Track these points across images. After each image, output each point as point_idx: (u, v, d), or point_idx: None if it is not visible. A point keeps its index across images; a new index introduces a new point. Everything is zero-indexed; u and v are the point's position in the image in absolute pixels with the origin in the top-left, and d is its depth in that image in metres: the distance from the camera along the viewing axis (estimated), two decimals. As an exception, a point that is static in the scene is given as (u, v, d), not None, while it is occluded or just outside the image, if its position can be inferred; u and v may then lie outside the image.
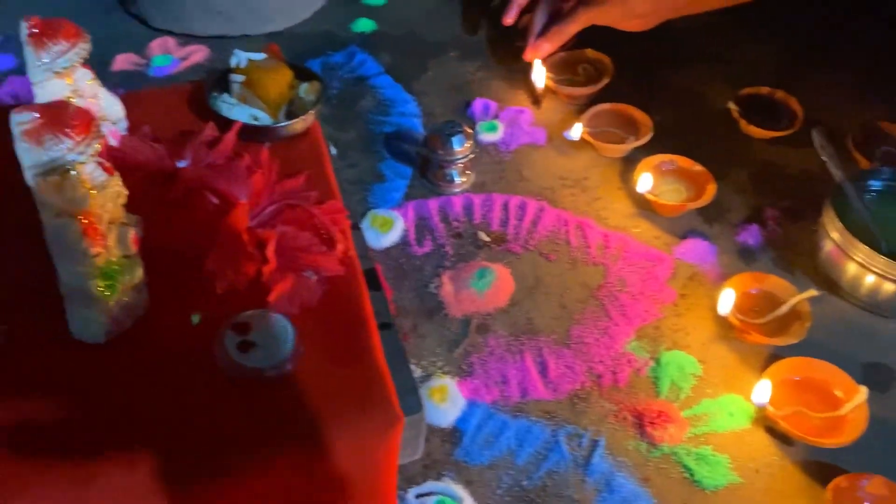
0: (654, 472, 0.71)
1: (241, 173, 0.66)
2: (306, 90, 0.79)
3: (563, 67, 1.07)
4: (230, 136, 0.71)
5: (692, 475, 0.70)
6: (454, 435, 0.73)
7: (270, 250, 0.62)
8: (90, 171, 0.53)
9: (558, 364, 0.78)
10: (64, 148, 0.50)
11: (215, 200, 0.65)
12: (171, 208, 0.65)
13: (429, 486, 0.69)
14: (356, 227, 0.72)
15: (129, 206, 0.60)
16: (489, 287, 0.84)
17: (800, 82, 1.06)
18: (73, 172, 0.51)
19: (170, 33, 1.14)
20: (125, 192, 0.56)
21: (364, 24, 1.18)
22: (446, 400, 0.75)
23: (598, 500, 0.69)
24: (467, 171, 0.94)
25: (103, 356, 0.59)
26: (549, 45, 1.02)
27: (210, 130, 0.71)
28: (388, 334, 0.65)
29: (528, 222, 0.91)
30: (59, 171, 0.50)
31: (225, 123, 0.73)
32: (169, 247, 0.64)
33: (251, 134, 0.74)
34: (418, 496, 0.68)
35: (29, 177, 0.51)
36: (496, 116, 1.04)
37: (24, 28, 0.57)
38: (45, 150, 0.50)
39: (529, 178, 0.96)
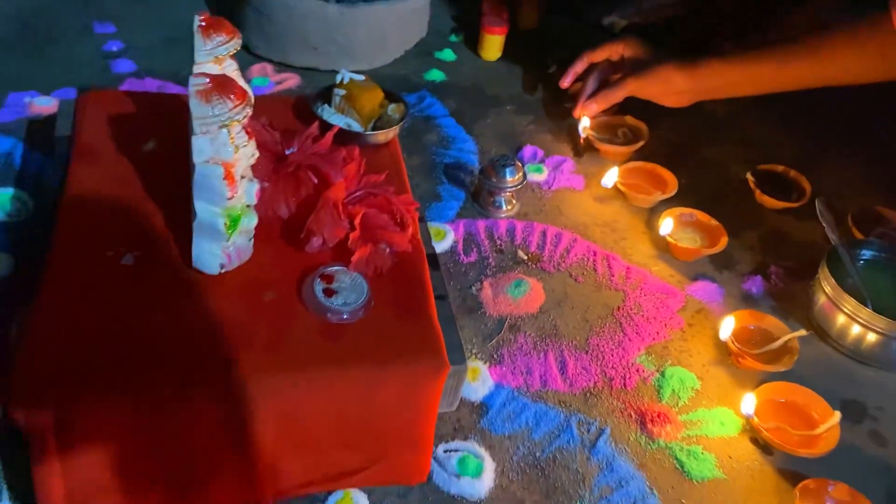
0: (649, 461, 0.82)
1: (337, 161, 0.81)
2: (393, 109, 0.94)
3: (604, 129, 1.23)
4: (330, 135, 0.86)
5: (682, 467, 0.81)
6: (482, 408, 0.85)
7: (357, 221, 0.77)
8: (237, 131, 0.68)
9: (576, 365, 0.90)
10: (225, 108, 0.65)
11: (315, 180, 0.80)
12: (280, 182, 0.80)
13: (456, 444, 0.81)
14: (423, 220, 0.86)
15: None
16: (523, 295, 0.97)
17: (813, 164, 1.20)
18: (226, 129, 0.66)
19: (269, 60, 1.32)
20: (257, 154, 0.71)
21: (435, 74, 1.35)
22: (478, 380, 0.87)
23: (599, 475, 0.80)
24: (513, 201, 1.09)
25: (214, 285, 0.73)
26: (596, 106, 1.18)
27: (314, 128, 0.86)
28: (442, 304, 0.78)
29: (562, 249, 1.05)
30: (217, 125, 0.65)
31: (325, 127, 0.89)
32: (276, 210, 0.79)
33: (345, 138, 0.89)
34: (446, 451, 0.80)
35: (195, 126, 0.66)
36: (542, 161, 1.19)
37: (196, 20, 0.73)
38: (210, 107, 0.65)
39: (566, 215, 1.10)
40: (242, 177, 0.70)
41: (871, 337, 0.92)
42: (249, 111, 0.67)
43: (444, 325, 0.75)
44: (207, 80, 0.66)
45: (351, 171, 0.81)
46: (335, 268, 0.75)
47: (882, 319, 0.91)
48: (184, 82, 1.13)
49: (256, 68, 1.31)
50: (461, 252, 1.03)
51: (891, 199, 1.14)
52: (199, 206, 0.69)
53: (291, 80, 1.29)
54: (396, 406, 0.71)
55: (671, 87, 1.15)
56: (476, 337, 0.92)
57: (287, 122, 0.91)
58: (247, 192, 0.70)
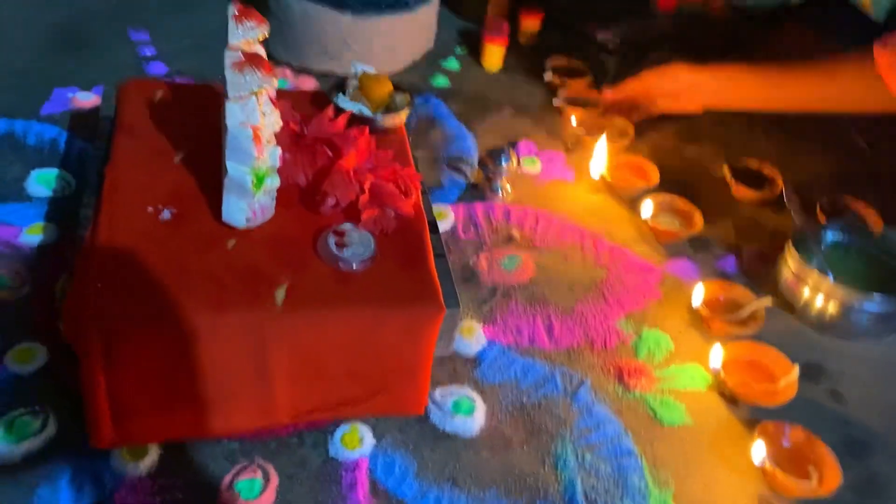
0: (625, 409, 0.91)
1: (349, 138, 0.92)
2: (400, 99, 1.06)
3: (595, 129, 1.34)
4: (343, 117, 0.97)
5: (655, 414, 0.90)
6: (475, 361, 0.94)
7: (367, 185, 0.87)
8: (265, 100, 0.79)
9: (562, 327, 1.00)
10: (255, 78, 0.76)
11: (330, 153, 0.91)
12: (299, 154, 0.90)
13: (452, 388, 0.90)
14: (425, 193, 0.97)
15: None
16: (515, 267, 1.07)
17: (787, 161, 1.31)
18: (255, 97, 0.77)
19: (288, 65, 1.44)
20: (280, 122, 0.82)
21: (441, 80, 1.47)
22: (472, 337, 0.97)
23: (579, 419, 0.89)
24: (508, 188, 1.20)
25: (241, 237, 0.83)
26: (611, 94, 1.29)
27: (330, 111, 0.97)
28: (440, 260, 0.88)
29: (552, 230, 1.15)
30: (248, 92, 0.77)
31: (339, 112, 0.99)
32: (295, 179, 0.90)
33: (357, 122, 1.00)
34: (443, 395, 0.89)
35: (229, 92, 0.77)
36: (536, 155, 1.30)
37: (231, 9, 0.84)
38: (243, 76, 0.76)
39: (557, 202, 1.21)
40: (268, 142, 0.81)
41: (833, 307, 1.01)
42: (275, 82, 0.78)
43: (441, 277, 0.85)
44: (240, 54, 0.77)
45: (362, 146, 0.92)
46: (347, 225, 0.86)
47: (843, 289, 1.00)
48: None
49: (277, 72, 1.43)
50: (461, 231, 1.13)
51: (859, 192, 1.23)
52: (231, 165, 0.80)
53: (309, 83, 1.41)
54: (397, 343, 0.81)
55: (679, 83, 1.23)
56: (472, 302, 1.02)
57: (306, 110, 1.02)
58: (271, 154, 0.81)
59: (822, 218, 1.17)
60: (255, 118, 0.78)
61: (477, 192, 1.20)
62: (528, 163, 1.27)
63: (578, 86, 1.44)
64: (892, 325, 1.02)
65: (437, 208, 1.15)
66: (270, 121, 0.80)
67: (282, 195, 0.87)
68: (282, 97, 0.99)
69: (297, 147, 0.91)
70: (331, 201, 0.86)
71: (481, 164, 1.17)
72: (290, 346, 0.77)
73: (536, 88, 1.49)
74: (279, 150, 0.82)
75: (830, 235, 1.11)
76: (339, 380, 0.80)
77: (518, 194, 1.21)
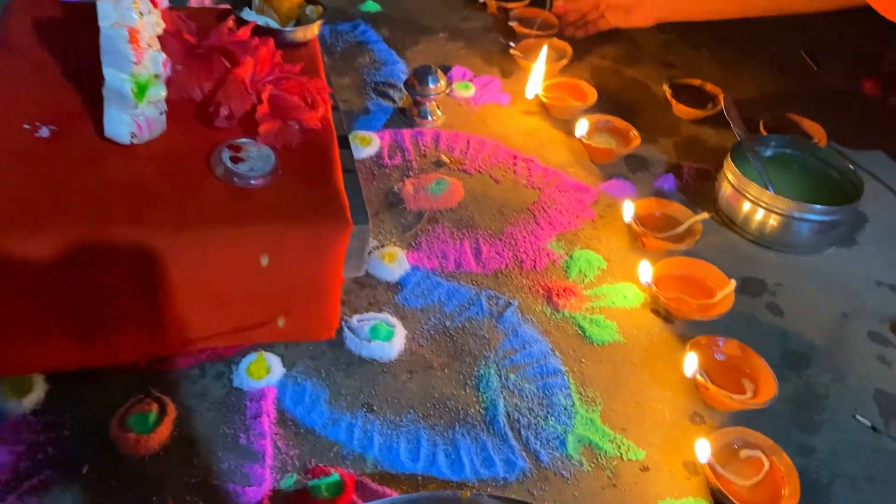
0: (553, 328, 0.86)
1: (250, 47, 0.85)
2: (311, 10, 0.98)
3: (530, 51, 1.27)
4: (247, 27, 0.89)
5: (584, 332, 0.86)
6: (397, 286, 0.89)
7: (265, 95, 0.80)
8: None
9: (490, 250, 0.94)
10: (127, -29, 0.69)
11: (228, 64, 0.84)
12: (193, 64, 0.83)
13: (370, 315, 0.85)
14: (336, 108, 0.90)
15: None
16: (443, 192, 1.01)
17: (729, 79, 1.26)
18: (129, -6, 0.70)
19: (206, -7, 1.35)
20: (162, 24, 0.75)
21: (370, 6, 1.39)
22: (394, 262, 0.91)
23: (504, 340, 0.84)
24: (438, 112, 1.13)
25: (126, 153, 0.76)
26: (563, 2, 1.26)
27: (230, 22, 0.90)
28: (350, 176, 0.82)
29: (484, 154, 1.09)
30: (120, -12, 0.69)
31: (242, 25, 0.92)
32: (190, 93, 0.82)
33: (263, 34, 0.92)
34: (360, 321, 0.84)
35: (99, -11, 0.69)
36: (471, 80, 1.23)
37: None
38: (113, -30, 0.69)
39: (491, 126, 1.15)
40: (148, 45, 0.73)
41: (773, 220, 0.97)
42: (151, -23, 0.70)
43: (351, 192, 0.78)
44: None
45: (262, 56, 0.85)
46: (244, 140, 0.79)
47: (783, 200, 0.95)
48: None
49: None
50: (385, 157, 1.06)
51: (805, 111, 1.19)
52: (107, 71, 0.73)
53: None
54: (301, 262, 0.74)
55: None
56: (395, 228, 0.96)
57: (207, 21, 0.95)
58: (153, 60, 0.74)
59: (764, 133, 1.12)
60: (130, 18, 0.70)
61: (405, 118, 1.13)
62: (462, 87, 1.21)
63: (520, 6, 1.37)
64: (832, 236, 0.98)
65: (362, 134, 1.08)
66: (149, 21, 0.73)
67: (175, 110, 0.80)
68: (182, 12, 0.92)
69: (191, 58, 0.83)
70: (224, 111, 0.79)
71: (408, 86, 1.10)
72: (180, 268, 0.71)
73: (473, 12, 1.42)
74: (163, 56, 0.75)
75: (771, 149, 1.06)
76: (237, 304, 0.74)
77: (449, 118, 1.14)
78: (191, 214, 0.72)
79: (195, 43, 0.85)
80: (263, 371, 0.77)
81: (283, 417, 0.74)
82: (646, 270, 0.88)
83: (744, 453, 0.73)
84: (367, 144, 1.07)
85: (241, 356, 0.79)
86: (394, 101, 1.16)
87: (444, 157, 1.07)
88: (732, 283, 0.88)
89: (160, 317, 0.72)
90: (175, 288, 0.71)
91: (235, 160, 0.76)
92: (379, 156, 1.06)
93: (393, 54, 1.27)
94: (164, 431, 0.71)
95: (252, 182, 0.76)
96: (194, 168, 0.76)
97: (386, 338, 0.82)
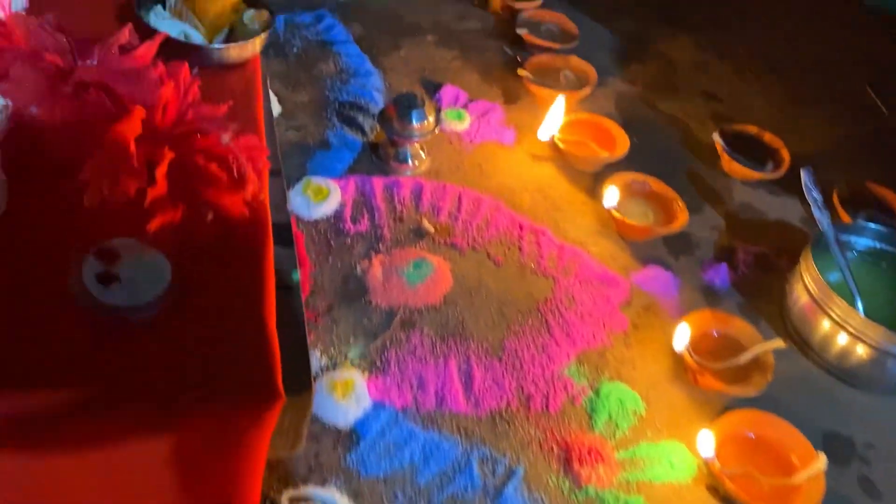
0: (574, 517, 0.60)
1: (148, 82, 0.56)
2: (251, 17, 0.68)
3: (544, 72, 0.99)
4: (150, 45, 0.60)
5: (617, 526, 0.60)
6: (351, 438, 0.62)
7: (161, 171, 0.51)
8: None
9: (485, 376, 0.68)
10: None
11: (113, 108, 0.54)
12: (57, 107, 0.54)
13: (307, 490, 0.58)
14: (276, 174, 0.61)
15: (7, 91, 0.49)
16: (423, 280, 0.74)
17: (788, 124, 1.00)
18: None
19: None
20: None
21: (341, -10, 1.09)
22: (350, 396, 0.64)
23: (505, 538, 0.58)
24: (422, 155, 0.85)
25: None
26: None
27: (127, 35, 0.60)
28: (289, 298, 0.54)
29: (480, 220, 0.81)
30: None
31: (147, 35, 0.62)
32: (46, 146, 0.53)
33: (179, 52, 0.63)
34: (292, 500, 0.57)
35: None
36: (465, 106, 0.95)
37: None
38: None
39: (490, 175, 0.87)
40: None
41: (861, 350, 0.72)
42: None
43: (286, 332, 0.51)
44: None
45: (167, 96, 0.55)
46: (122, 240, 0.50)
47: (876, 328, 0.71)
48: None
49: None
50: (348, 219, 0.79)
51: (882, 172, 0.94)
52: None
53: None
54: (207, 453, 0.47)
55: None
56: (355, 335, 0.69)
57: (95, 27, 0.64)
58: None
59: (841, 213, 0.87)
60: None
61: (378, 158, 0.85)
62: (453, 116, 0.92)
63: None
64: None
65: (317, 184, 0.80)
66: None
67: (22, 175, 0.51)
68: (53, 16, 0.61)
69: (54, 95, 0.54)
70: (93, 195, 0.50)
71: (383, 120, 0.81)
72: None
73: (471, 9, 1.13)
74: (3, 101, 0.45)
75: (859, 241, 0.81)
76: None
77: (436, 162, 0.87)
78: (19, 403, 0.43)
79: (68, 67, 0.55)
80: None
81: None
82: (707, 441, 0.62)
83: None
84: (324, 199, 0.79)
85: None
86: (363, 132, 0.88)
87: (426, 225, 0.79)
88: (822, 460, 0.63)
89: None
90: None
91: (106, 279, 0.48)
92: (339, 216, 0.78)
93: (366, 62, 0.98)
94: None
95: (132, 317, 0.47)
96: (45, 289, 0.48)
97: (331, 535, 0.55)
